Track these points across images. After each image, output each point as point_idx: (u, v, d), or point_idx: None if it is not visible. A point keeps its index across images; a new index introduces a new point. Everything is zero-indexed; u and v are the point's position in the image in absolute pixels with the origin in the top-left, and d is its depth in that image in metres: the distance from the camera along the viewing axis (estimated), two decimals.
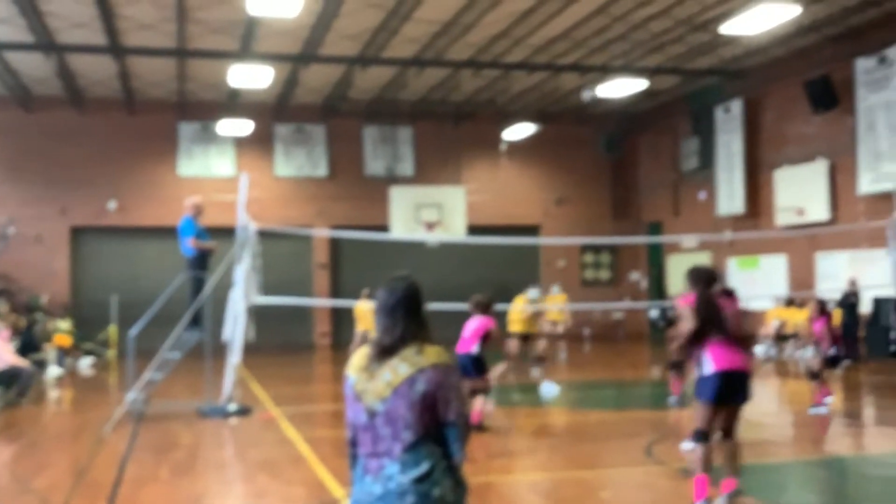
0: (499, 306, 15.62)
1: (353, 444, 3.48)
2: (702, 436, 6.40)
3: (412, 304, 3.48)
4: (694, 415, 6.56)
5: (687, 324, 6.46)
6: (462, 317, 10.76)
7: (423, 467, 3.29)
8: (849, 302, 17.12)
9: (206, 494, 7.61)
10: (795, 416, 11.36)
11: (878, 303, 17.66)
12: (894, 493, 7.55)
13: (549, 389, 13.51)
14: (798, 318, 18.86)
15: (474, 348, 10.27)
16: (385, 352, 3.41)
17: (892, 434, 10.56)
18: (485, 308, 10.53)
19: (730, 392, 6.38)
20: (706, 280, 6.60)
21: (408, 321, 3.44)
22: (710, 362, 6.35)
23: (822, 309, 12.16)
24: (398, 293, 3.48)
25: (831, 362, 11.88)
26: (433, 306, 13.42)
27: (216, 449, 9.99)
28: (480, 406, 10.25)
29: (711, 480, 6.33)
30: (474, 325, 10.41)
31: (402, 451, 3.31)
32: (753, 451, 8.97)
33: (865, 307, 17.96)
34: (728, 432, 6.58)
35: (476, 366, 10.26)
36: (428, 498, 3.27)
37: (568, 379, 16.20)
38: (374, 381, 3.38)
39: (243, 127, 23.30)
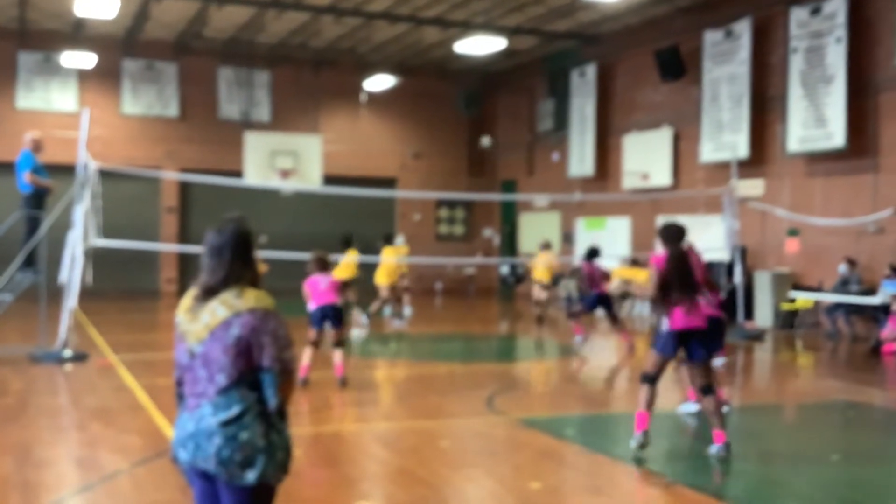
0: (362, 257, 15.84)
1: (179, 383, 3.47)
2: (648, 378, 6.90)
3: (239, 247, 3.45)
4: (646, 360, 7.06)
5: (651, 285, 6.80)
6: None
7: (234, 411, 3.30)
8: None
9: (36, 442, 7.31)
10: (634, 371, 11.89)
11: (711, 266, 18.61)
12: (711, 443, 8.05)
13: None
14: (641, 276, 19.68)
15: (338, 300, 10.07)
16: (208, 293, 3.40)
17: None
18: (325, 265, 10.17)
19: (686, 348, 6.82)
20: (677, 237, 6.89)
21: (233, 263, 3.41)
22: (666, 321, 6.75)
23: None
24: (226, 234, 3.46)
25: None
26: (285, 255, 13.31)
27: (48, 396, 9.59)
28: (340, 360, 10.04)
29: (651, 417, 6.92)
30: (326, 281, 10.04)
31: (216, 393, 3.32)
32: (592, 403, 9.37)
33: None
34: (707, 389, 6.88)
35: (339, 317, 10.09)
36: (234, 441, 3.28)
37: (418, 332, 16.41)
38: (195, 323, 3.38)
39: (88, 60, 22.08)
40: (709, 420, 7.03)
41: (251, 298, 3.37)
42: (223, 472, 3.27)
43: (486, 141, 23.89)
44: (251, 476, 3.26)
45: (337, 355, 10.06)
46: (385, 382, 11.14)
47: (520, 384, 11.14)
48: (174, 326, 3.50)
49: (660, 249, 6.95)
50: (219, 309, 3.35)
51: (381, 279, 17.07)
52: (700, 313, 6.78)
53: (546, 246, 18.02)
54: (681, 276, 6.73)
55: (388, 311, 17.92)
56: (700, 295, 6.84)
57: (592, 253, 14.33)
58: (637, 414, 6.97)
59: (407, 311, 18.38)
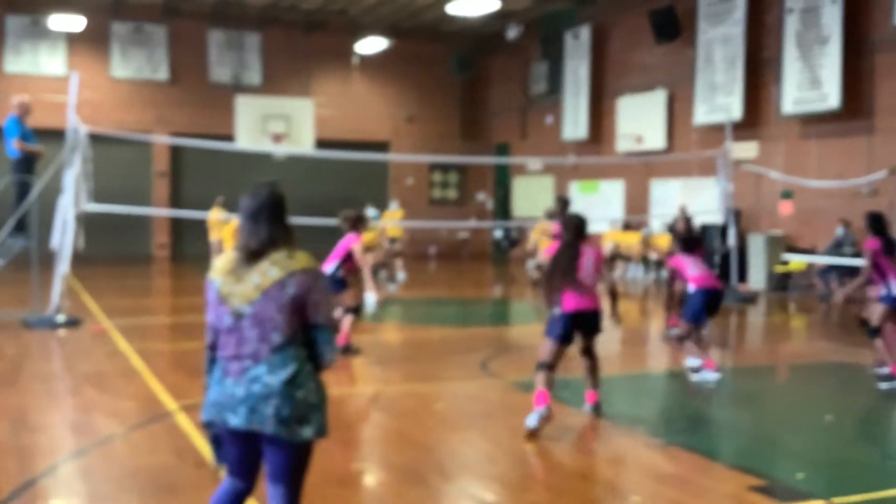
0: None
1: (213, 347, 3.53)
2: (544, 366, 6.63)
3: (276, 209, 3.50)
4: (541, 348, 6.76)
5: (546, 273, 6.90)
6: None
7: (290, 369, 3.38)
8: (677, 228, 17.90)
9: (31, 407, 7.30)
10: (627, 333, 11.92)
11: (705, 229, 18.63)
12: (705, 406, 8.10)
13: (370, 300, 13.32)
14: (632, 240, 19.71)
15: (330, 268, 9.57)
16: (253, 255, 3.44)
17: (711, 352, 11.26)
18: (353, 223, 9.84)
19: (578, 329, 6.80)
20: (575, 230, 6.89)
21: (273, 225, 3.46)
22: (559, 305, 6.72)
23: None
24: (261, 198, 3.49)
25: None
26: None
27: (42, 361, 9.57)
28: (348, 328, 9.63)
29: (551, 396, 6.54)
30: (341, 243, 9.72)
31: (270, 352, 3.38)
32: (579, 365, 9.37)
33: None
34: (587, 351, 7.01)
35: (335, 285, 9.54)
36: (292, 400, 3.36)
37: (412, 296, 16.41)
38: (242, 284, 3.42)
39: (76, 23, 21.82)
40: (585, 379, 7.09)
41: (302, 259, 3.46)
42: (283, 430, 3.35)
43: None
44: (308, 432, 3.40)
45: (345, 322, 9.58)
46: (379, 346, 11.14)
47: (514, 348, 11.16)
48: (206, 290, 3.52)
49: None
50: (271, 269, 3.40)
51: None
52: (589, 297, 6.78)
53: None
54: (567, 264, 6.77)
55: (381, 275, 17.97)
56: (582, 285, 6.77)
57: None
58: (537, 393, 6.55)
59: (400, 275, 18.42)
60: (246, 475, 3.58)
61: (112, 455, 6.00)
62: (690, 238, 9.25)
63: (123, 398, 7.64)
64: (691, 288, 8.66)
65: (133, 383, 8.22)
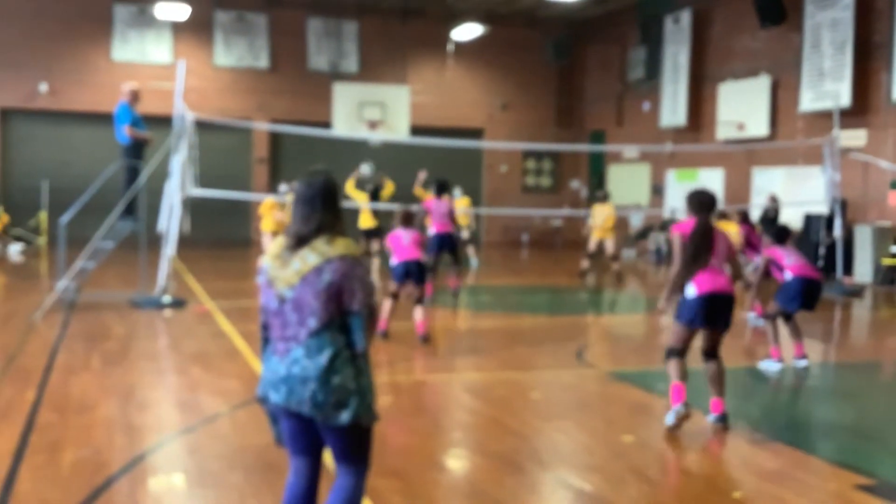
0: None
1: (265, 328, 3.69)
2: (674, 352, 6.38)
3: (329, 197, 3.60)
4: (670, 334, 6.53)
5: (677, 259, 6.34)
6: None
7: (326, 354, 3.46)
8: (768, 218, 17.40)
9: (138, 384, 7.59)
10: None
11: (809, 219, 18.08)
12: (808, 401, 7.88)
13: None
14: (731, 230, 19.23)
15: (423, 256, 9.87)
16: (299, 241, 3.55)
17: (812, 345, 10.94)
18: (409, 220, 10.02)
19: (711, 316, 6.27)
20: (708, 206, 6.39)
21: (324, 213, 3.56)
22: (693, 286, 6.25)
23: (744, 218, 12.33)
24: (316, 186, 3.60)
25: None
26: (372, 206, 13.53)
27: (149, 340, 9.93)
28: (422, 317, 9.83)
29: (687, 389, 6.29)
30: (409, 236, 9.87)
31: (307, 336, 3.49)
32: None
33: (796, 223, 18.40)
34: (711, 354, 6.50)
35: (422, 273, 9.84)
36: (328, 385, 3.45)
37: (504, 284, 16.40)
38: (285, 269, 3.55)
39: (181, 12, 22.45)
40: (709, 387, 6.51)
41: (341, 246, 3.54)
42: (318, 414, 3.46)
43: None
44: (345, 417, 3.46)
45: (418, 312, 9.80)
46: (472, 334, 11.18)
47: (608, 337, 11.06)
48: (259, 274, 3.68)
49: (683, 217, 6.49)
50: (310, 256, 3.51)
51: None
52: (726, 278, 6.29)
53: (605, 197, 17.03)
54: (704, 248, 6.25)
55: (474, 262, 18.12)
56: (716, 269, 6.29)
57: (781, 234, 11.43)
58: (672, 387, 6.32)
59: (473, 262, 18.45)
60: (305, 452, 3.67)
61: (218, 433, 6.18)
62: (782, 230, 8.98)
63: (228, 377, 7.86)
64: (788, 276, 8.49)
65: (236, 363, 8.45)
